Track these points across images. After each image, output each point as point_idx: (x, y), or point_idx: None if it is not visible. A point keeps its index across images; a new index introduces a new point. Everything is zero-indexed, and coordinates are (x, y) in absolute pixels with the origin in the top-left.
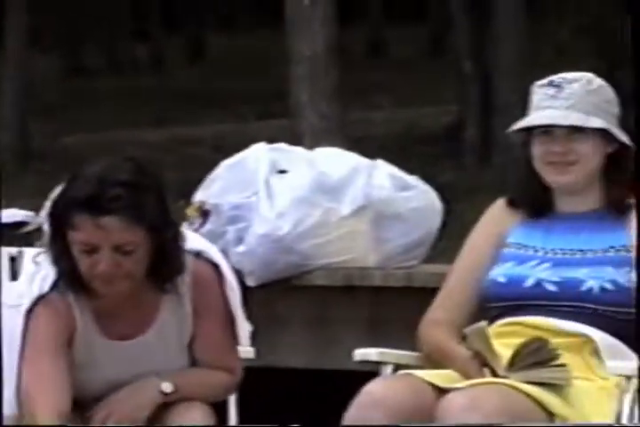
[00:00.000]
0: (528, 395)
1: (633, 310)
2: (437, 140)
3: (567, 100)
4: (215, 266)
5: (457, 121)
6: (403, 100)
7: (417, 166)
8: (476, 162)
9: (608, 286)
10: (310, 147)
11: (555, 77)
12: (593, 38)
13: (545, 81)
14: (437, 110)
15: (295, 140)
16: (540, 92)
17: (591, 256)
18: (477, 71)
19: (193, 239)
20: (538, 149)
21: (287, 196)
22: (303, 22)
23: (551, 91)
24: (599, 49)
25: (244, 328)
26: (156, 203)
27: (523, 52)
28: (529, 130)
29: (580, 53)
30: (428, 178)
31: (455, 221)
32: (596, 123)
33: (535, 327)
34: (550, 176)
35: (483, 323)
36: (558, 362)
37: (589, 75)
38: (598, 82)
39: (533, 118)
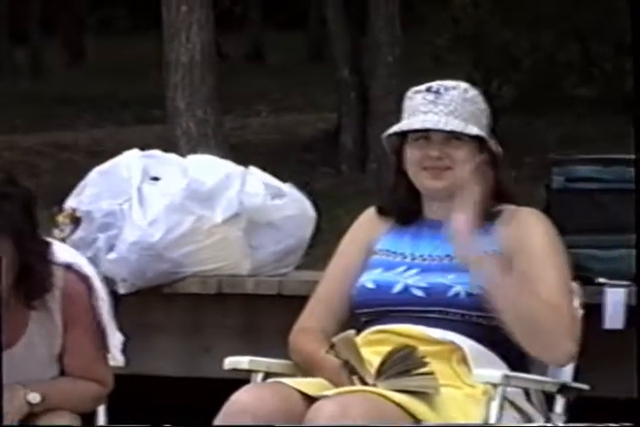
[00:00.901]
0: (396, 403)
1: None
2: (315, 147)
3: (447, 106)
4: (85, 278)
5: (334, 128)
6: (281, 107)
7: (294, 173)
8: (352, 169)
9: (475, 291)
10: (187, 153)
11: (432, 84)
12: (470, 48)
13: (422, 87)
14: (315, 117)
15: (172, 146)
16: (418, 97)
17: (458, 262)
18: (354, 79)
19: (63, 251)
20: (414, 154)
21: (159, 203)
22: (181, 27)
23: (430, 96)
24: (475, 58)
25: (116, 338)
26: (22, 214)
27: (399, 61)
28: (403, 135)
29: (457, 63)
30: (304, 185)
31: (331, 228)
32: (474, 130)
33: (403, 335)
34: (425, 181)
35: (350, 331)
36: (426, 370)
37: (465, 83)
38: (473, 91)
39: (414, 122)
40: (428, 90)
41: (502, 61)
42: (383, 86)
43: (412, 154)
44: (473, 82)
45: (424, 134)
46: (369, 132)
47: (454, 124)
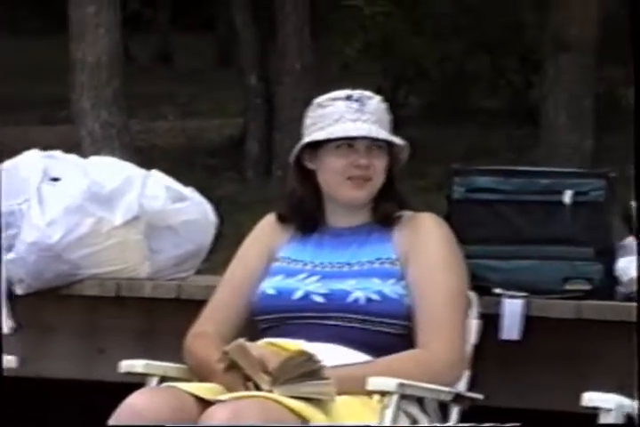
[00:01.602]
0: (291, 409)
1: (401, 322)
2: (220, 153)
3: (373, 114)
4: None
5: (240, 134)
6: (188, 111)
7: (199, 178)
8: (257, 175)
9: (374, 296)
10: (92, 155)
11: (350, 92)
12: (378, 57)
13: (340, 94)
14: (222, 123)
15: (76, 147)
16: (339, 104)
17: (358, 268)
18: (262, 85)
19: None
20: (337, 162)
21: (59, 204)
22: (87, 29)
23: (355, 104)
24: (384, 68)
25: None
26: None
27: (307, 68)
28: (316, 142)
29: (366, 71)
30: (209, 190)
31: (233, 234)
32: (398, 140)
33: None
34: (349, 192)
35: (240, 340)
36: (322, 376)
37: (376, 94)
38: (384, 103)
39: (345, 129)
40: (349, 98)
41: (411, 71)
42: (290, 93)
43: (334, 162)
44: (381, 91)
45: (347, 142)
46: (275, 139)
47: (382, 134)
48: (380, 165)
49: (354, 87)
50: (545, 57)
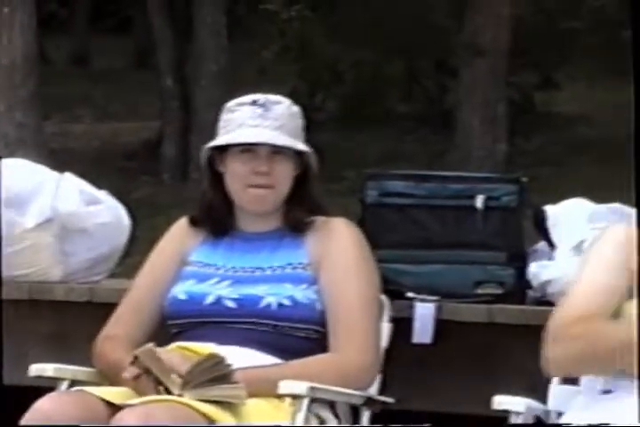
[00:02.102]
0: (202, 413)
1: (313, 327)
2: (136, 155)
3: (276, 120)
4: None
5: (157, 137)
6: (104, 114)
7: (115, 181)
8: (174, 178)
9: (286, 302)
10: (5, 157)
11: (257, 97)
12: (295, 61)
13: (246, 99)
14: (138, 125)
15: None
16: (244, 109)
17: (270, 273)
18: (178, 87)
19: None
20: (239, 168)
21: None
22: (1, 30)
23: (259, 110)
24: (301, 72)
25: None
26: None
27: (224, 71)
28: (224, 147)
29: (282, 75)
30: (125, 193)
31: (149, 238)
32: (301, 146)
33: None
34: (248, 204)
35: (150, 344)
36: (233, 379)
37: (286, 99)
38: (295, 107)
39: (245, 135)
40: (254, 103)
41: (327, 75)
42: (207, 96)
43: (237, 168)
44: (298, 94)
45: (249, 148)
46: (191, 142)
47: (283, 140)
48: (282, 171)
49: (270, 91)
50: (459, 62)
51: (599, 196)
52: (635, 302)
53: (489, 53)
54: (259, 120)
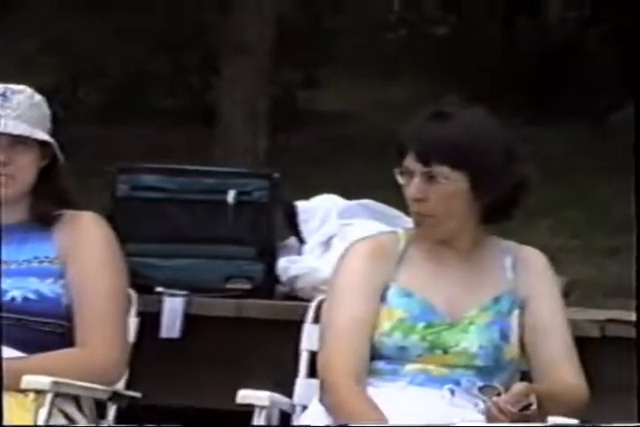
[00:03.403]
0: None
1: (59, 321)
2: None
3: (14, 110)
4: None
5: None
6: None
7: None
8: None
9: (31, 296)
10: None
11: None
12: (59, 53)
13: None
14: None
15: None
16: None
17: (15, 267)
18: None
19: None
20: None
21: None
22: None
23: None
24: (64, 64)
25: None
26: None
27: None
28: None
29: (45, 67)
30: None
31: None
32: (42, 135)
33: None
34: None
35: None
36: None
37: (30, 89)
38: (38, 97)
39: None
40: None
41: (91, 68)
42: None
43: None
44: (60, 87)
45: None
46: None
47: (23, 129)
48: (23, 161)
49: (32, 82)
50: (223, 59)
51: (359, 193)
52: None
53: (252, 50)
54: None
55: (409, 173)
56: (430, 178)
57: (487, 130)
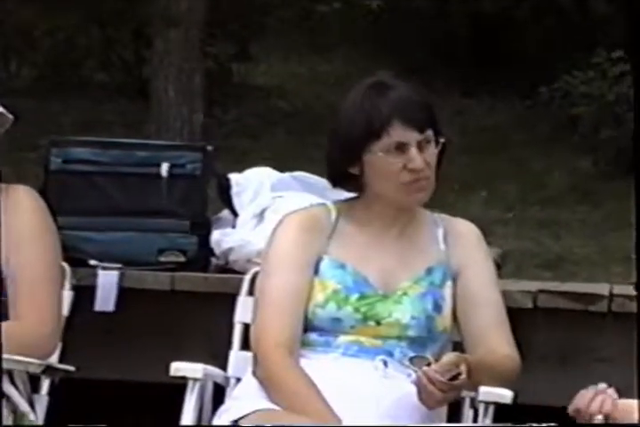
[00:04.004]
0: None
1: None
2: None
3: None
4: None
5: None
6: None
7: None
8: None
9: None
10: None
11: None
12: None
13: None
14: None
15: None
16: None
17: None
18: None
19: None
20: None
21: None
22: None
23: None
24: None
25: None
26: None
27: None
28: None
29: None
30: None
31: None
32: None
33: None
34: None
35: None
36: None
37: None
38: None
39: None
40: None
41: (21, 42)
42: None
43: None
44: None
45: None
46: None
47: None
48: None
49: None
50: (154, 32)
51: (291, 166)
52: None
53: (183, 23)
54: None
55: (400, 147)
56: (421, 144)
57: (425, 94)
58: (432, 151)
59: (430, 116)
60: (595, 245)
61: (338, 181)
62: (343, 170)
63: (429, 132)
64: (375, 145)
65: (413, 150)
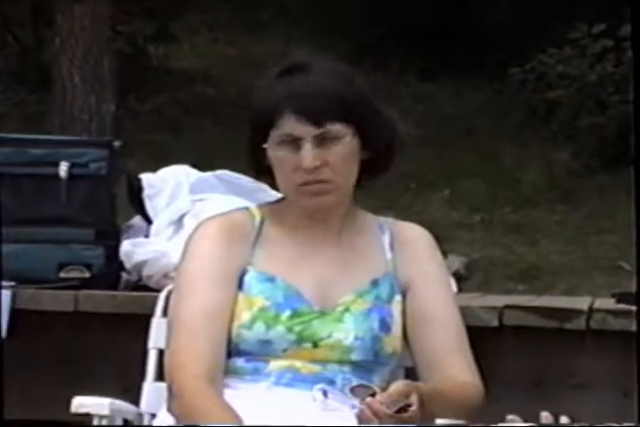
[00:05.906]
0: None
1: None
2: None
3: None
4: None
5: None
6: None
7: None
8: None
9: None
10: None
11: None
12: None
13: None
14: None
15: None
16: None
17: None
18: None
19: None
20: None
21: None
22: None
23: None
24: None
25: None
26: None
27: None
28: None
29: None
30: None
31: None
32: None
33: None
34: None
35: None
36: None
37: None
38: None
39: None
40: None
41: None
42: None
43: None
44: None
45: None
46: None
47: None
48: None
49: None
50: (57, 8)
51: (219, 165)
52: None
53: None
54: None
55: (292, 142)
56: (322, 140)
57: (354, 75)
58: (339, 149)
59: (341, 108)
60: (576, 252)
61: (259, 173)
62: (258, 162)
63: (335, 127)
64: (270, 138)
65: (307, 147)
